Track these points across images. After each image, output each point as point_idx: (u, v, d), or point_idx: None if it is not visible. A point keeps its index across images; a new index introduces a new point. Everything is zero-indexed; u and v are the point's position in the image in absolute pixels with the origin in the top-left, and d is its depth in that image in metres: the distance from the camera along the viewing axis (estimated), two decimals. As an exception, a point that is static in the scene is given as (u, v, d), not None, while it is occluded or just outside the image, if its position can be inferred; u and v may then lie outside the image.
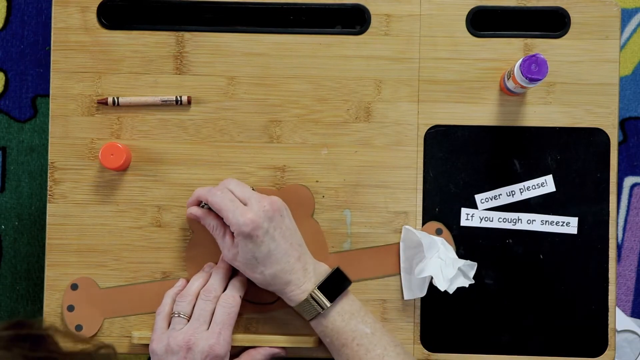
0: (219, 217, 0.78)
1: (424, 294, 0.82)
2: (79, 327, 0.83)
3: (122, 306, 0.83)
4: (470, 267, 0.81)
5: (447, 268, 0.79)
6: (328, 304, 0.76)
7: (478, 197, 0.83)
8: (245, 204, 0.75)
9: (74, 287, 0.83)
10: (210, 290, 0.78)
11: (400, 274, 0.83)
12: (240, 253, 0.76)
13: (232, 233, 0.76)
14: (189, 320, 0.77)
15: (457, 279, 0.80)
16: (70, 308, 0.83)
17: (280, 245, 0.76)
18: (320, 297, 0.76)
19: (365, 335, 0.76)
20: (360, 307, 0.78)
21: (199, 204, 0.80)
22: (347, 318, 0.76)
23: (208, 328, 0.76)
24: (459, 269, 0.80)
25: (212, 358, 0.75)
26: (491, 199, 0.83)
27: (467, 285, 0.80)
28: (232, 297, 0.78)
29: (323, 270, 0.79)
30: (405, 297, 0.83)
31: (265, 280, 0.77)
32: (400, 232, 0.83)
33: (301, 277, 0.77)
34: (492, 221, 0.83)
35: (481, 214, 0.83)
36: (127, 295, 0.83)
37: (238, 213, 0.74)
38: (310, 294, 0.76)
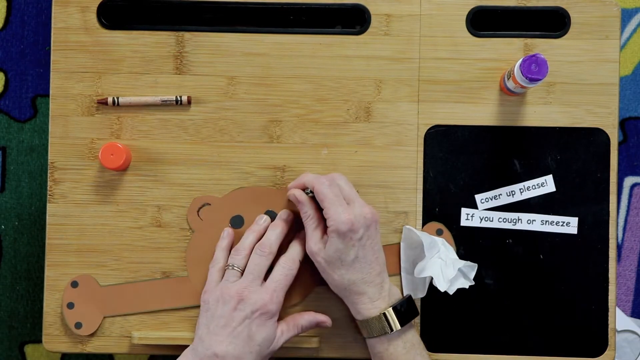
0: (317, 209, 0.78)
1: (424, 294, 0.82)
2: (78, 325, 0.83)
3: (122, 304, 0.83)
4: (471, 268, 0.81)
5: (447, 268, 0.79)
6: (398, 327, 0.76)
7: (478, 197, 0.83)
8: (348, 204, 0.76)
9: (74, 284, 0.83)
10: (265, 246, 0.77)
11: (400, 274, 0.83)
12: (327, 250, 0.75)
13: (325, 228, 0.76)
14: (242, 274, 0.77)
15: (457, 280, 0.80)
16: (70, 305, 0.83)
17: (368, 255, 0.76)
18: (393, 318, 0.76)
19: None
20: (419, 341, 0.79)
21: (303, 189, 0.79)
22: (408, 347, 0.77)
23: (261, 284, 0.76)
24: (460, 269, 0.80)
25: (262, 313, 0.75)
26: (491, 199, 0.83)
27: (467, 287, 0.80)
28: (292, 261, 0.78)
29: (396, 293, 0.79)
30: None
31: (342, 284, 0.76)
32: (401, 232, 0.83)
33: (376, 293, 0.77)
34: (492, 221, 0.83)
35: (481, 214, 0.83)
36: (127, 294, 0.83)
37: (340, 210, 0.74)
38: (383, 313, 0.76)
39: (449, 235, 0.83)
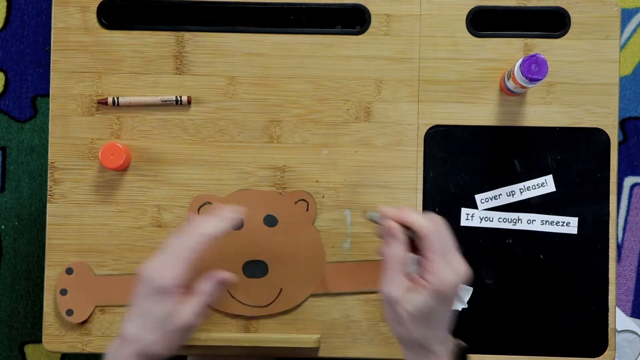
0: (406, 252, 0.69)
1: None
2: (69, 312, 0.83)
3: (115, 295, 0.83)
4: (467, 292, 0.81)
5: None
6: None
7: (478, 197, 0.83)
8: (445, 255, 0.68)
9: (69, 271, 0.83)
10: (192, 225, 0.71)
11: None
12: (415, 303, 0.66)
13: (414, 274, 0.68)
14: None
15: None
16: (64, 292, 0.83)
17: (447, 314, 0.69)
18: None
19: None
20: None
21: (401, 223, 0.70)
22: None
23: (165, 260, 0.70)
24: None
25: (152, 288, 0.69)
26: (491, 199, 0.83)
27: (459, 309, 0.80)
28: (198, 234, 0.71)
29: (451, 341, 0.71)
30: None
31: (417, 341, 0.68)
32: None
33: (444, 350, 0.68)
34: (492, 221, 0.83)
35: (481, 214, 0.83)
36: (121, 285, 0.83)
37: (447, 269, 0.66)
38: None
39: None
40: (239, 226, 0.83)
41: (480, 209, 0.83)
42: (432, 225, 0.68)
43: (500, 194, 0.83)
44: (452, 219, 0.83)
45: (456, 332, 0.83)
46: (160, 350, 0.69)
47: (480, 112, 0.84)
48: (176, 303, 0.69)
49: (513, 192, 0.83)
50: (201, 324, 0.72)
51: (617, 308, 0.86)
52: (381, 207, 0.71)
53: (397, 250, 0.68)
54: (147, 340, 0.68)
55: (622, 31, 1.35)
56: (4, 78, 1.38)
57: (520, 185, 0.83)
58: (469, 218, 0.83)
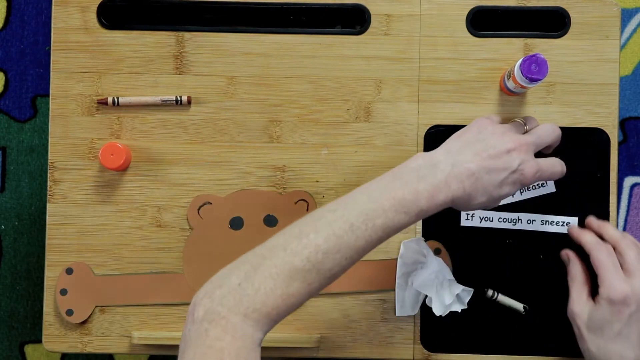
0: (586, 270, 0.77)
1: (415, 312, 0.82)
2: (69, 312, 0.83)
3: (115, 295, 0.83)
4: (467, 293, 0.81)
5: (444, 291, 0.79)
6: None
7: None
8: (628, 276, 0.72)
9: (69, 271, 0.83)
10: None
11: (394, 290, 0.83)
12: (591, 315, 0.73)
13: (590, 292, 0.74)
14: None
15: (452, 304, 0.80)
16: (63, 292, 0.83)
17: (632, 334, 0.72)
18: None
19: None
20: None
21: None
22: None
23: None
24: (457, 295, 0.80)
25: (520, 177, 0.69)
26: None
27: (459, 310, 0.80)
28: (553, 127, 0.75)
29: None
30: (397, 314, 0.83)
31: (597, 357, 0.73)
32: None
33: None
34: (492, 221, 0.83)
35: (481, 213, 0.83)
36: (120, 285, 0.83)
37: (617, 278, 0.71)
38: None
39: (446, 255, 0.83)
40: (239, 226, 0.83)
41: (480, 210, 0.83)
42: (603, 248, 0.74)
43: None
44: (452, 219, 0.83)
45: (456, 331, 0.83)
46: (469, 208, 0.68)
47: (480, 112, 0.84)
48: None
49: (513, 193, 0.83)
50: None
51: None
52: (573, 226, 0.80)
53: (575, 270, 0.77)
54: (477, 201, 0.67)
55: (622, 31, 1.35)
56: (4, 78, 1.38)
57: (520, 185, 0.83)
58: (469, 218, 0.83)
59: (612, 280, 0.71)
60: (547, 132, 0.73)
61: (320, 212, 0.64)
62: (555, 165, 0.73)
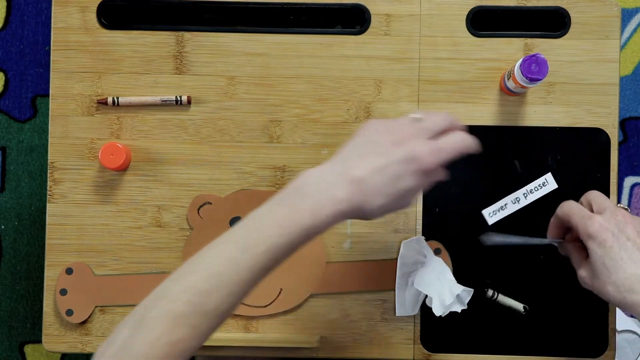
0: (576, 246, 0.72)
1: (415, 312, 0.82)
2: (69, 312, 0.83)
3: (115, 295, 0.83)
4: (467, 294, 0.81)
5: (444, 291, 0.79)
6: None
7: (485, 212, 0.83)
8: (599, 212, 0.70)
9: (69, 271, 0.83)
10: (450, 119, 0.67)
11: (395, 290, 0.83)
12: (591, 265, 0.68)
13: (584, 250, 0.70)
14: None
15: (452, 304, 0.80)
16: (63, 292, 0.83)
17: (631, 252, 0.67)
18: None
19: None
20: None
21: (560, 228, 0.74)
22: None
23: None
24: (457, 295, 0.80)
25: (417, 165, 0.63)
26: (498, 211, 0.83)
27: (459, 311, 0.80)
28: (465, 138, 0.67)
29: None
30: (397, 314, 0.83)
31: (620, 295, 0.67)
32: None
33: None
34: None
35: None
36: (120, 285, 0.83)
37: (586, 215, 0.69)
38: None
39: (446, 255, 0.83)
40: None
41: (490, 224, 0.83)
42: (573, 205, 0.71)
43: (506, 204, 0.83)
44: (452, 219, 0.83)
45: (456, 331, 0.83)
46: (372, 216, 0.63)
47: (480, 112, 0.84)
48: (421, 187, 0.64)
49: (518, 199, 0.83)
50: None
51: (617, 308, 0.86)
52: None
53: (569, 246, 0.73)
54: (375, 202, 0.62)
55: (622, 31, 1.35)
56: (4, 78, 1.38)
57: (524, 190, 0.83)
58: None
59: (582, 220, 0.68)
60: (439, 117, 0.66)
61: (204, 250, 0.62)
62: (457, 139, 0.65)
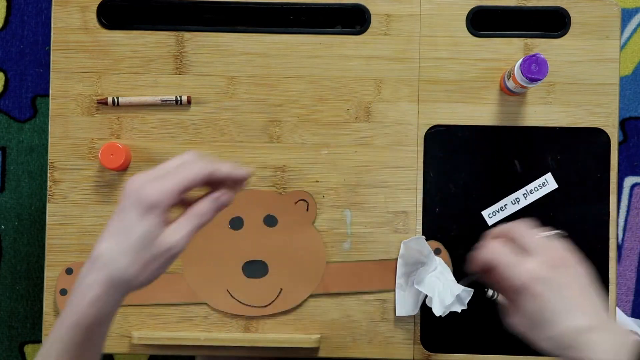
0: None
1: (415, 312, 0.82)
2: (69, 270, 0.83)
3: None
4: (467, 294, 0.80)
5: (444, 291, 0.79)
6: None
7: (485, 213, 0.83)
8: (528, 253, 0.61)
9: (69, 271, 0.83)
10: (190, 160, 0.61)
11: (395, 290, 0.83)
12: (521, 316, 0.61)
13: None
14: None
15: (452, 304, 0.80)
16: (63, 292, 0.83)
17: (565, 300, 0.59)
18: None
19: None
20: None
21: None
22: None
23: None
24: (457, 295, 0.80)
25: (139, 202, 0.58)
26: (498, 212, 0.83)
27: (459, 311, 0.80)
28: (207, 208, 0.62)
29: (628, 341, 0.58)
30: (398, 314, 0.83)
31: (556, 349, 0.59)
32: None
33: (603, 354, 0.57)
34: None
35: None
36: None
37: (513, 265, 0.60)
38: None
39: (446, 255, 0.83)
40: (239, 226, 0.83)
41: (490, 224, 0.83)
42: (489, 248, 0.63)
43: (506, 204, 0.83)
44: (452, 219, 0.83)
45: (456, 331, 0.83)
46: (134, 278, 0.58)
47: (480, 112, 0.84)
48: (162, 223, 0.59)
49: (518, 200, 0.83)
50: (184, 248, 0.60)
51: (617, 308, 0.86)
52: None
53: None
54: (122, 264, 0.57)
55: (622, 31, 1.35)
56: (4, 78, 1.38)
57: (523, 190, 0.83)
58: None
59: (509, 270, 0.60)
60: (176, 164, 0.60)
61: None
62: (192, 168, 0.60)
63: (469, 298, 0.80)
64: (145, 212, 0.58)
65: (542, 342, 0.60)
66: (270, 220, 0.83)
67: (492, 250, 0.62)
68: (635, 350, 0.58)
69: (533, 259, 0.60)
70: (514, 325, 0.62)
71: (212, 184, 0.62)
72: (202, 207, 0.61)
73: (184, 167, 0.60)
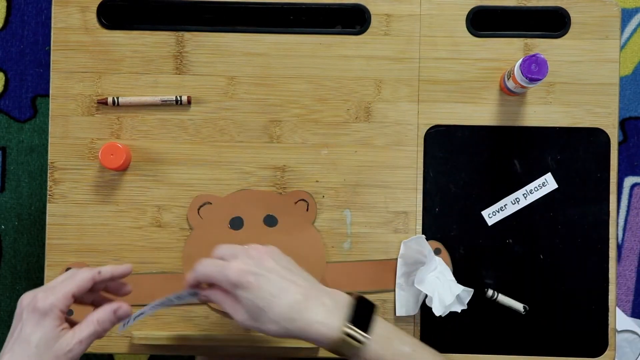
0: (223, 290, 0.68)
1: (415, 312, 0.82)
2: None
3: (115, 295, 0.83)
4: (467, 294, 0.81)
5: (444, 291, 0.79)
6: (365, 336, 0.65)
7: (485, 213, 0.83)
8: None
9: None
10: (81, 271, 0.69)
11: (395, 290, 0.83)
12: (244, 308, 0.66)
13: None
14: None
15: (452, 304, 0.80)
16: None
17: (279, 284, 0.66)
18: (355, 331, 0.65)
19: (406, 355, 0.67)
20: (393, 328, 0.70)
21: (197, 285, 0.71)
22: (385, 344, 0.67)
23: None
24: (457, 295, 0.80)
25: (33, 310, 0.65)
26: (498, 212, 0.83)
27: (459, 311, 0.80)
28: (97, 321, 0.67)
29: (342, 300, 0.68)
30: (398, 314, 0.83)
31: (283, 328, 0.65)
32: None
33: (322, 314, 0.65)
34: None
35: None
36: None
37: (222, 266, 0.66)
38: (343, 331, 0.65)
39: (446, 255, 0.83)
40: (239, 226, 0.83)
41: (490, 224, 0.83)
42: (199, 266, 0.69)
43: (506, 204, 0.83)
44: (452, 219, 0.83)
45: (456, 331, 0.83)
46: None
47: (480, 112, 0.84)
48: (58, 328, 0.64)
49: (518, 200, 0.83)
50: (84, 351, 0.66)
51: (617, 308, 0.86)
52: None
53: (215, 298, 0.69)
54: None
55: (622, 31, 1.35)
56: (4, 78, 1.38)
57: (523, 190, 0.83)
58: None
59: (220, 272, 0.66)
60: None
61: None
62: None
63: (469, 298, 0.81)
64: (40, 318, 0.64)
65: (270, 325, 0.65)
66: (270, 220, 0.83)
67: (202, 266, 0.68)
68: (352, 303, 0.67)
69: (236, 260, 0.67)
70: (242, 322, 0.67)
71: (103, 282, 0.69)
72: (102, 316, 0.67)
73: (70, 277, 0.67)
